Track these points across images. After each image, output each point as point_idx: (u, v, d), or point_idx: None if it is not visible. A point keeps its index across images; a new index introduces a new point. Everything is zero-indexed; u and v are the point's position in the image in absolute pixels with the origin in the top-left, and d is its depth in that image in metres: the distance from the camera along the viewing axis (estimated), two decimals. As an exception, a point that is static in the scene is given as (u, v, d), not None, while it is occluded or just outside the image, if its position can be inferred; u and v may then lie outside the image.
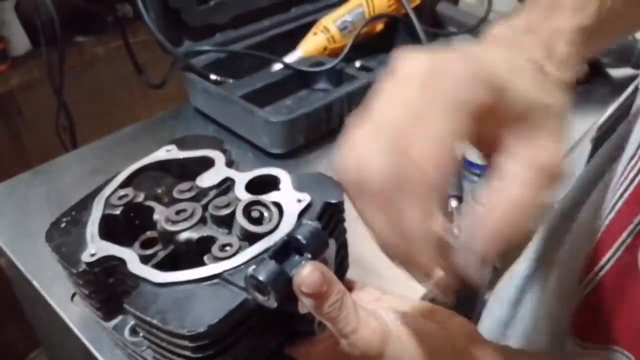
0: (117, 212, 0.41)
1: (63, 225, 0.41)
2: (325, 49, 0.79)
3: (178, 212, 0.38)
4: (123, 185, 0.43)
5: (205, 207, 0.39)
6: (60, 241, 0.40)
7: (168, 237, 0.38)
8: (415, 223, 0.25)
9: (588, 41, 0.31)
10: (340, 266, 0.42)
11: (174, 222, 0.38)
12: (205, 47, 0.76)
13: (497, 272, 0.61)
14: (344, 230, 0.42)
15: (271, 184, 0.40)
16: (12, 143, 1.39)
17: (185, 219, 0.38)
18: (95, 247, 0.37)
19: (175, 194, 0.41)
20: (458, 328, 0.36)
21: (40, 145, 1.38)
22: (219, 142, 0.46)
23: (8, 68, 1.35)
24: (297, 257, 0.33)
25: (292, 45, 0.80)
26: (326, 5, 0.88)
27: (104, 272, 0.37)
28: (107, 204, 0.41)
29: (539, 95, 0.27)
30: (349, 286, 0.43)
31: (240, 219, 0.36)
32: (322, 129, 0.70)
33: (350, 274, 0.45)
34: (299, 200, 0.37)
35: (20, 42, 1.40)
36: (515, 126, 0.27)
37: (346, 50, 0.76)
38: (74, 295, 0.50)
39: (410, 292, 0.50)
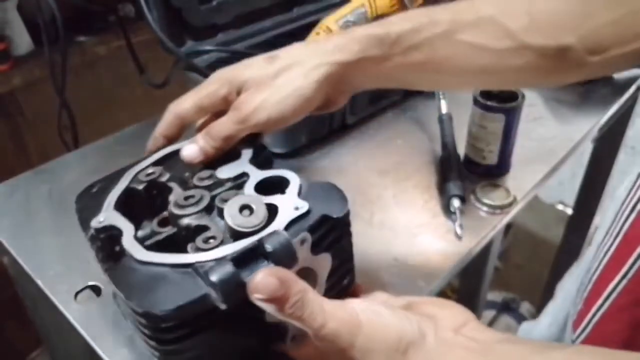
0: (141, 187, 0.42)
1: (94, 190, 0.42)
2: (327, 49, 0.79)
3: (187, 198, 0.39)
4: (156, 163, 0.44)
5: (214, 198, 0.39)
6: (84, 204, 0.41)
7: (173, 220, 0.38)
8: (180, 101, 0.45)
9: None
10: (339, 282, 0.41)
11: (181, 207, 0.38)
12: (208, 47, 0.76)
13: (498, 272, 0.61)
14: (348, 246, 0.40)
15: (279, 186, 0.39)
16: (14, 142, 1.39)
17: (190, 205, 0.38)
18: (105, 215, 0.39)
19: (195, 181, 0.41)
20: (448, 317, 0.35)
21: (42, 145, 1.39)
22: (255, 137, 0.46)
23: (10, 67, 1.35)
24: (264, 263, 0.33)
25: (294, 45, 0.80)
26: (328, 5, 0.89)
27: (109, 240, 0.38)
28: (135, 178, 0.42)
29: (258, 73, 0.45)
30: (357, 291, 0.43)
31: (227, 215, 0.36)
32: (324, 129, 0.70)
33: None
34: (296, 208, 0.36)
35: (22, 42, 1.40)
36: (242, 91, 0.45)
37: (348, 50, 0.76)
38: (77, 293, 0.50)
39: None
